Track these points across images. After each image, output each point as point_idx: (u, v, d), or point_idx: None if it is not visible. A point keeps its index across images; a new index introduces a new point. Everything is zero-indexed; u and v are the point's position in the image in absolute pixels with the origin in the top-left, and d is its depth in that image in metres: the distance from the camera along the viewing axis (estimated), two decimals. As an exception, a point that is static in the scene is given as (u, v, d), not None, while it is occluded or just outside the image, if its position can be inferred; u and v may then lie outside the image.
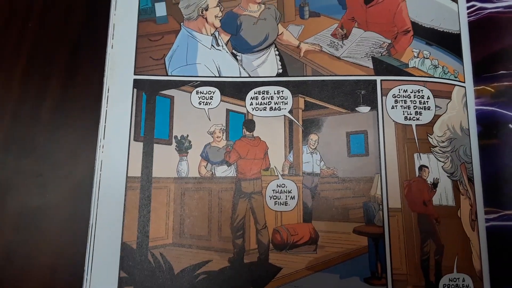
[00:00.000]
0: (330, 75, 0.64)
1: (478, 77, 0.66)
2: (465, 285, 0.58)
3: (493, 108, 0.65)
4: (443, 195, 0.60)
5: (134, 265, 0.58)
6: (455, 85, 0.63)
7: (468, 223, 0.60)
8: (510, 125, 0.64)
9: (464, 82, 0.64)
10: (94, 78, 0.64)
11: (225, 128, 0.63)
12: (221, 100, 0.63)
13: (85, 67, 0.66)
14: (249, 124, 0.63)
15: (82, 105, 0.65)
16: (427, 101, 0.62)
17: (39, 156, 0.63)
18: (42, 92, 0.65)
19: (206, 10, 0.66)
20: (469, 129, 0.63)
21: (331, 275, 0.58)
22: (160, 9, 0.66)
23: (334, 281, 0.57)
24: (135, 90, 0.63)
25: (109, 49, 0.64)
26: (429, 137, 0.61)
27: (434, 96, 0.63)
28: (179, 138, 0.62)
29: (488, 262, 0.59)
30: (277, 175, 0.62)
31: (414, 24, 0.65)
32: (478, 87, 0.65)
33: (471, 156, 0.62)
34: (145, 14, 0.66)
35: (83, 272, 0.57)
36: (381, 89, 0.63)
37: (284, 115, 0.63)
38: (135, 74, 0.64)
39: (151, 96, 0.63)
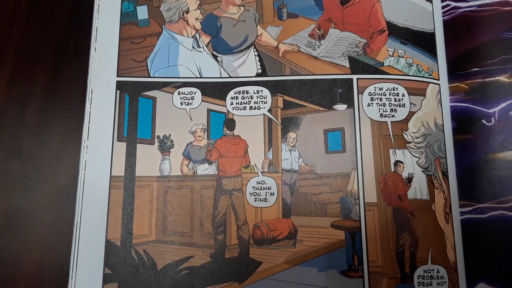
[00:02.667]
0: (308, 75, 0.66)
1: (452, 75, 0.68)
2: (440, 276, 0.61)
3: (467, 105, 0.68)
4: (418, 189, 0.63)
5: (118, 261, 0.60)
6: (429, 82, 0.66)
7: (443, 216, 0.63)
8: (483, 120, 0.67)
9: (438, 80, 0.67)
10: (78, 80, 0.67)
11: (206, 128, 0.66)
12: (202, 100, 0.66)
13: (69, 70, 0.69)
14: (230, 123, 0.66)
15: (66, 107, 0.67)
16: (402, 99, 0.65)
17: (24, 158, 0.66)
18: (27, 95, 0.68)
19: (187, 12, 0.69)
20: (443, 125, 0.65)
21: (309, 268, 0.60)
22: (142, 12, 0.69)
23: (312, 274, 0.60)
24: (118, 91, 0.65)
25: (92, 52, 0.67)
26: (404, 134, 0.64)
27: (409, 94, 0.65)
28: (161, 138, 0.65)
29: (462, 254, 0.62)
30: (257, 172, 0.64)
31: (389, 24, 0.68)
32: (452, 84, 0.68)
33: (445, 151, 0.65)
34: (127, 18, 0.69)
35: (68, 269, 0.60)
36: (357, 87, 0.65)
37: (263, 114, 0.66)
38: (118, 76, 0.66)
39: (134, 97, 0.66)
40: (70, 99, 0.67)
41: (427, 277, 0.60)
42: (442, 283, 0.60)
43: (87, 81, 0.66)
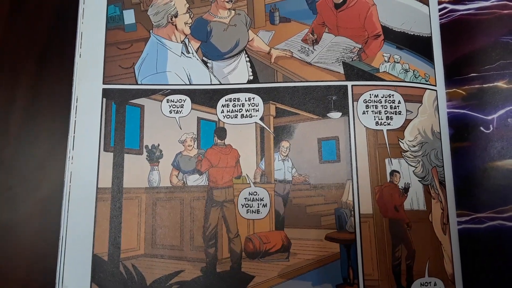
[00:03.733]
0: (301, 81, 0.65)
1: (449, 80, 0.67)
2: (437, 288, 0.60)
3: (465, 111, 0.67)
4: (415, 200, 0.62)
5: (106, 277, 0.59)
6: (426, 88, 0.65)
7: (440, 226, 0.62)
8: (481, 127, 0.66)
9: (435, 86, 0.66)
10: (62, 88, 0.65)
11: (196, 137, 0.64)
12: (192, 108, 0.65)
13: (52, 77, 0.67)
14: (220, 132, 0.64)
15: (51, 116, 0.66)
16: (398, 106, 0.64)
17: (7, 169, 0.64)
18: (9, 104, 0.66)
19: (176, 17, 0.67)
20: (440, 133, 0.64)
21: (303, 282, 0.59)
22: (129, 17, 0.67)
23: (306, 289, 0.59)
24: (104, 99, 0.64)
25: (77, 58, 0.65)
26: (400, 142, 0.63)
27: (405, 101, 0.64)
28: (150, 148, 0.64)
29: (460, 265, 0.61)
30: (249, 183, 0.63)
31: (385, 28, 0.67)
32: (450, 90, 0.67)
33: (442, 159, 0.64)
34: (113, 22, 0.67)
35: (54, 285, 0.58)
36: (352, 94, 0.64)
37: (255, 122, 0.64)
38: (104, 84, 0.64)
39: (121, 105, 0.64)
40: (54, 107, 0.66)
41: (424, 291, 0.60)
42: (439, 296, 0.60)
43: (71, 88, 0.64)
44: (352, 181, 0.62)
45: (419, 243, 0.61)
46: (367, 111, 0.64)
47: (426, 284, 0.60)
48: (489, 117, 0.66)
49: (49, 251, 0.61)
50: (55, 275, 0.59)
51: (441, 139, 0.64)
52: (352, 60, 0.66)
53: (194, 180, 0.63)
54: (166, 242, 0.61)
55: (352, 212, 0.61)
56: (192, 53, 0.67)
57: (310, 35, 0.67)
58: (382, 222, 0.61)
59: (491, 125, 0.66)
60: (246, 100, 0.65)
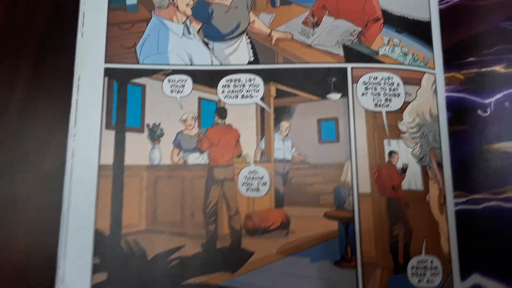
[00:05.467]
0: (301, 63, 0.68)
1: (448, 64, 0.70)
2: (433, 266, 0.63)
3: (463, 95, 0.70)
4: (412, 180, 0.65)
5: (107, 251, 0.62)
6: (425, 72, 0.68)
7: (437, 206, 0.65)
8: (478, 111, 0.69)
9: (434, 69, 0.69)
10: (64, 67, 0.68)
11: (197, 116, 0.67)
12: (193, 89, 0.67)
13: (54, 56, 0.70)
14: (221, 112, 0.67)
15: (53, 94, 0.68)
16: (396, 88, 0.67)
17: (9, 147, 0.67)
18: (11, 82, 0.69)
19: (178, -2, 0.70)
20: (438, 116, 0.68)
21: (302, 259, 0.62)
22: (131, -3, 0.70)
23: (305, 265, 0.62)
24: (106, 78, 0.67)
25: (79, 38, 0.68)
26: (398, 124, 0.66)
27: (404, 83, 0.67)
28: (151, 126, 0.66)
29: (457, 244, 0.64)
30: (249, 162, 0.66)
31: (385, 12, 0.70)
32: (448, 74, 0.70)
33: (440, 141, 0.67)
34: (115, 2, 0.70)
35: (56, 259, 0.61)
36: (352, 76, 0.67)
37: (255, 102, 0.67)
38: (106, 63, 0.67)
39: (123, 84, 0.67)
40: (57, 86, 0.68)
41: (421, 268, 0.62)
42: (435, 274, 0.63)
43: (74, 67, 0.67)
44: (351, 161, 0.65)
45: (417, 222, 0.64)
46: (366, 93, 0.67)
47: (422, 262, 0.63)
48: (487, 101, 0.69)
49: (51, 226, 0.63)
50: (56, 250, 0.61)
51: (439, 121, 0.67)
52: (352, 42, 0.69)
53: (194, 158, 0.66)
54: (167, 219, 0.64)
55: (351, 191, 0.64)
56: (193, 34, 0.70)
57: (311, 17, 0.71)
58: (380, 201, 0.64)
59: (488, 109, 0.69)
60: (246, 81, 0.68)
